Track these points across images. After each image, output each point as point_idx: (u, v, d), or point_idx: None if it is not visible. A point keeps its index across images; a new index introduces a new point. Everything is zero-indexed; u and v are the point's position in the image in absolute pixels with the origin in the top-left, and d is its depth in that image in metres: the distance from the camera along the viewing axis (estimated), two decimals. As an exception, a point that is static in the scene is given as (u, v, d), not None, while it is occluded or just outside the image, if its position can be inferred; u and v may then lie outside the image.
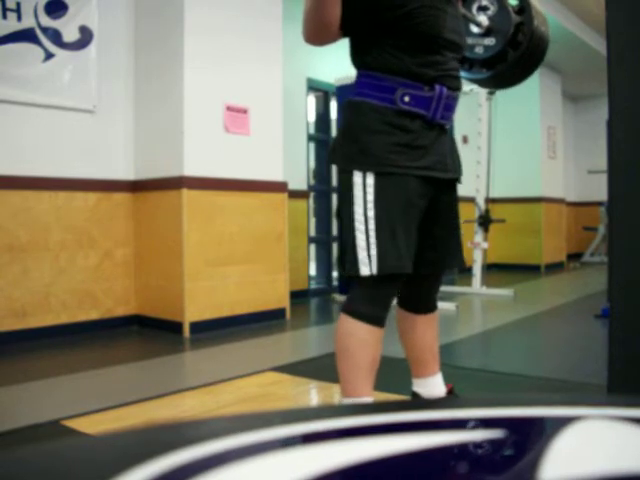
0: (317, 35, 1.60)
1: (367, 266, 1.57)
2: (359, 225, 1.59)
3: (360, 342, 1.60)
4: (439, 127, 1.65)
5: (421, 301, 1.87)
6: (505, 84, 2.15)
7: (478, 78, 2.09)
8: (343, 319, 1.65)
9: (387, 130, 1.58)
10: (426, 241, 1.71)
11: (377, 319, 1.62)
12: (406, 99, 1.58)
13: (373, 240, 1.57)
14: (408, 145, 1.59)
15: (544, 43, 2.00)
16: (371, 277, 1.58)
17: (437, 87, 1.60)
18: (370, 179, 1.58)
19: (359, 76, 1.66)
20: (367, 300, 1.63)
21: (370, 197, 1.58)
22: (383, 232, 1.57)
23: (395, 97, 1.58)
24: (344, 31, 1.60)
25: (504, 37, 1.96)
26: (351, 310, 1.64)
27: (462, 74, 2.09)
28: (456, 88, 1.68)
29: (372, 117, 1.59)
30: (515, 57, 1.97)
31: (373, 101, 1.60)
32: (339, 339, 1.64)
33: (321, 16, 1.53)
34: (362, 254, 1.58)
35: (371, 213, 1.58)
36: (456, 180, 1.77)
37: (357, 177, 1.60)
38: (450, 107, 1.65)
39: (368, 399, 1.60)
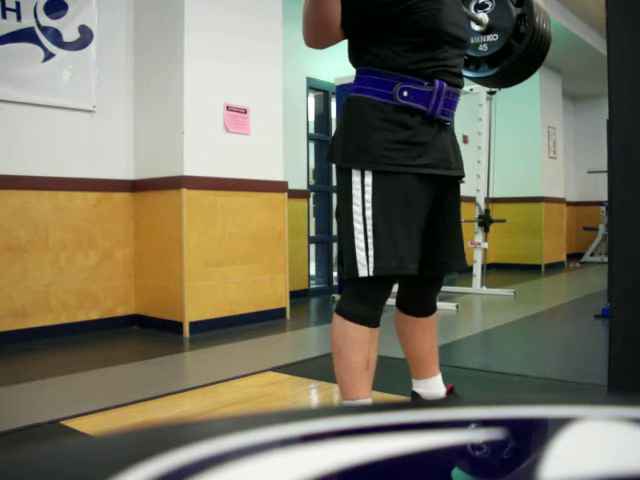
0: (318, 36, 1.56)
1: (365, 267, 1.53)
2: (357, 225, 1.55)
3: (352, 342, 1.57)
4: (439, 123, 1.62)
5: (422, 304, 1.84)
6: (512, 81, 2.11)
7: (485, 77, 2.07)
8: (335, 320, 1.62)
9: (386, 127, 1.55)
10: (430, 242, 1.68)
11: (369, 319, 1.58)
12: (405, 94, 1.54)
13: (371, 240, 1.53)
14: (407, 142, 1.55)
15: (547, 34, 1.98)
16: (366, 277, 1.55)
17: (437, 82, 1.56)
18: (368, 178, 1.55)
19: (358, 73, 1.63)
20: (359, 300, 1.59)
21: (368, 196, 1.54)
22: (381, 232, 1.53)
23: (394, 92, 1.54)
24: (345, 31, 1.56)
25: (506, 31, 1.95)
26: (342, 310, 1.61)
27: (469, 74, 2.08)
28: (457, 85, 1.64)
29: (370, 113, 1.56)
30: (521, 49, 1.95)
31: (372, 97, 1.57)
32: (333, 341, 1.62)
33: (321, 15, 1.49)
34: (360, 255, 1.54)
35: (369, 213, 1.54)
36: (460, 178, 1.73)
37: (355, 176, 1.56)
38: (451, 103, 1.62)
39: (366, 400, 1.57)
